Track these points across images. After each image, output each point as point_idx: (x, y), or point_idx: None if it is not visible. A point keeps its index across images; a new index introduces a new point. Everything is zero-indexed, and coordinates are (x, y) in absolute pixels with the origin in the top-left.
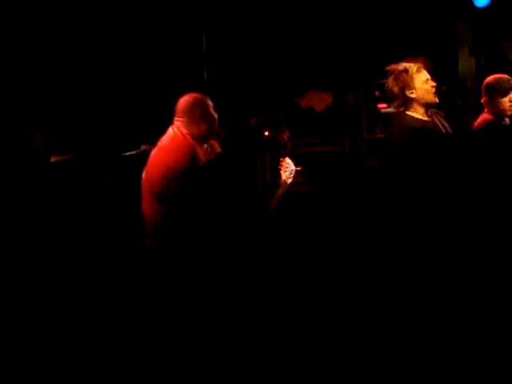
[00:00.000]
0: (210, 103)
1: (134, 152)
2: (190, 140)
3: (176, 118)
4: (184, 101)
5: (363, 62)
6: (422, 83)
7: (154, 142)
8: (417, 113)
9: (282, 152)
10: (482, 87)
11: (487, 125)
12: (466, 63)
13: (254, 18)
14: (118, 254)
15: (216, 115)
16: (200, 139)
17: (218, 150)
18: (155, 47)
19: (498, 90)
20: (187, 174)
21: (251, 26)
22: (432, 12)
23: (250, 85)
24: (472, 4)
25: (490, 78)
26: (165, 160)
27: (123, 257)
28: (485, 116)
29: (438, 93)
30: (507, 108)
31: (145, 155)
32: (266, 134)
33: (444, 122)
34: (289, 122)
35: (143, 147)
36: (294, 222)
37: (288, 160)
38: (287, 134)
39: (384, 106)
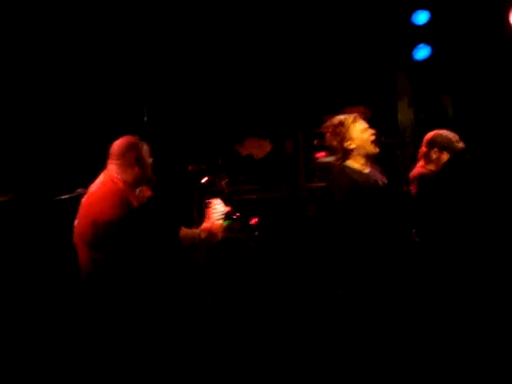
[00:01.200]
0: (146, 148)
1: (68, 196)
2: (121, 185)
3: (110, 161)
4: (118, 144)
5: (302, 110)
6: (359, 133)
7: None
8: (357, 163)
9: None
10: (426, 139)
11: (423, 178)
12: (405, 114)
13: (197, 63)
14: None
15: (150, 160)
16: (132, 184)
17: (148, 193)
18: (96, 89)
19: (443, 146)
20: (118, 222)
21: (194, 72)
22: (372, 62)
23: (190, 131)
24: (411, 56)
25: (436, 133)
26: (94, 207)
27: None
28: (419, 169)
29: (377, 143)
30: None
31: (80, 199)
32: (205, 180)
33: (382, 176)
34: (228, 169)
35: (79, 190)
36: (231, 268)
37: (216, 201)
38: (226, 181)
39: (322, 154)
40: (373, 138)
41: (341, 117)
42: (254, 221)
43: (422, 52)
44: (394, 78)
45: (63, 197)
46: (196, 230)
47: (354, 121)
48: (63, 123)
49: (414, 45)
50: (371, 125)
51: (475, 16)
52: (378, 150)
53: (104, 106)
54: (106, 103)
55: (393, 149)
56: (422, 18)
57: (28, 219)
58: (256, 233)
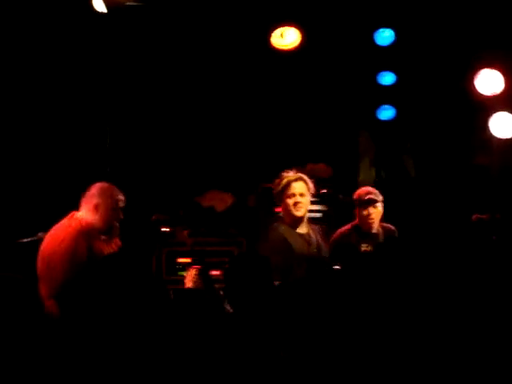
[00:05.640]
0: (117, 196)
1: (29, 239)
2: (79, 226)
3: (81, 201)
4: (91, 187)
5: (265, 165)
6: (285, 197)
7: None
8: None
9: (181, 249)
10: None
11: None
12: (366, 174)
13: (159, 115)
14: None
15: (116, 210)
16: (96, 229)
17: (118, 243)
18: (59, 138)
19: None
20: (68, 262)
21: (156, 123)
22: (336, 120)
23: (152, 182)
24: (375, 116)
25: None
26: (46, 245)
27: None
28: (346, 226)
29: (334, 200)
30: (366, 221)
31: (40, 242)
32: (165, 230)
33: (319, 237)
34: (189, 220)
35: (40, 234)
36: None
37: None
38: (187, 231)
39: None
40: (295, 205)
41: (284, 174)
42: (214, 273)
43: (386, 112)
44: (357, 136)
45: (25, 240)
46: None
47: (287, 184)
48: (25, 172)
49: (378, 105)
50: (331, 182)
51: (440, 79)
52: (298, 214)
53: (67, 156)
54: (69, 153)
55: (349, 207)
56: (387, 78)
57: None
58: (217, 285)
